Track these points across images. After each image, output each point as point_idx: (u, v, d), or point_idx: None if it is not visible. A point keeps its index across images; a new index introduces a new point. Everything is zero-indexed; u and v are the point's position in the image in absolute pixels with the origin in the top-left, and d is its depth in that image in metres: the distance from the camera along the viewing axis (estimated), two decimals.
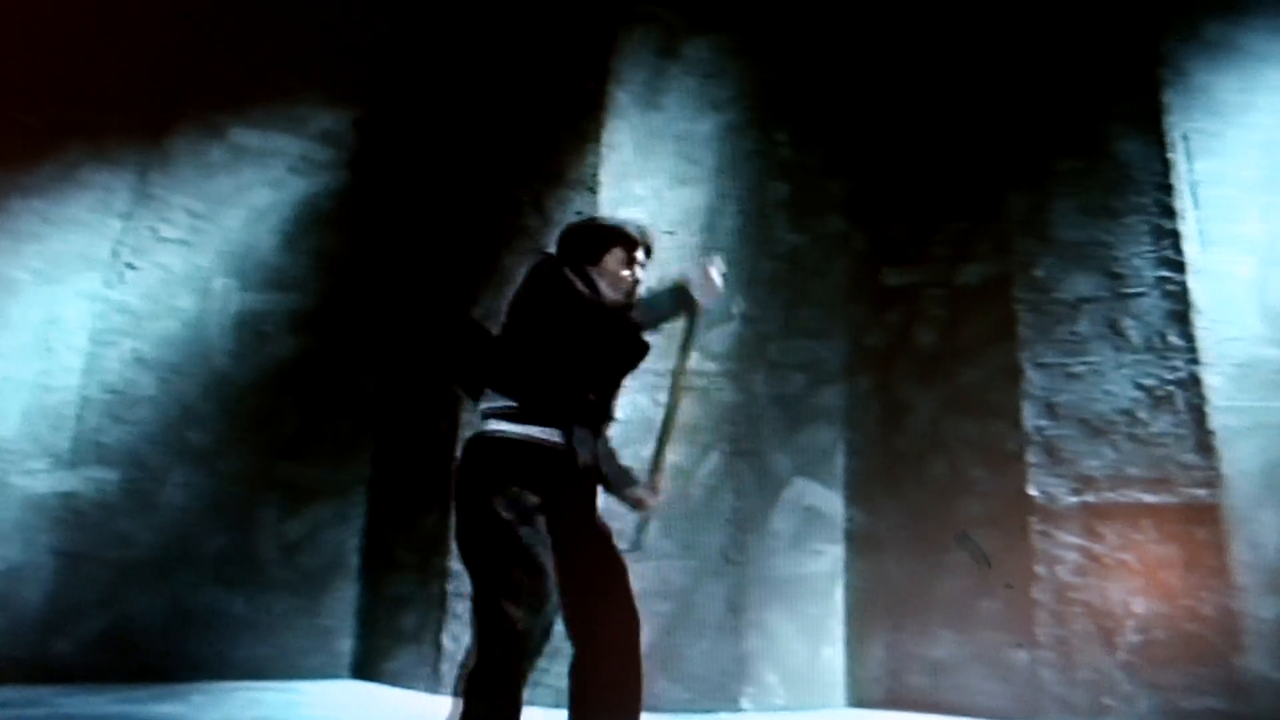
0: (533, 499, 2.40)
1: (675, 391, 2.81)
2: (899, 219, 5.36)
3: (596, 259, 2.71)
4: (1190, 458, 4.28)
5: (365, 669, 5.39)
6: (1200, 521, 4.20)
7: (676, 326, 2.81)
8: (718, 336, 4.93)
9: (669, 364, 2.85)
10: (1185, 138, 4.67)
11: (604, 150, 5.11)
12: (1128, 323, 4.54)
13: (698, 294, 2.64)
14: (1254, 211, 4.56)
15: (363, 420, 5.81)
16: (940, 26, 5.52)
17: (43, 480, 4.93)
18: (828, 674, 4.79)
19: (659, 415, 4.47)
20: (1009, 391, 4.72)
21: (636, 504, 2.75)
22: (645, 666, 2.52)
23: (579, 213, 5.07)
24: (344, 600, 5.54)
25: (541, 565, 2.35)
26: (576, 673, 2.47)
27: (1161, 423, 4.37)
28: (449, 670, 4.76)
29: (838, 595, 4.90)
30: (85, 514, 4.98)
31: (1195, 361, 4.36)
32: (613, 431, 2.78)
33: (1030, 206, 4.92)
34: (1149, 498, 4.32)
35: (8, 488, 4.84)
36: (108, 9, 5.53)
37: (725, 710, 4.51)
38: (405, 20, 6.31)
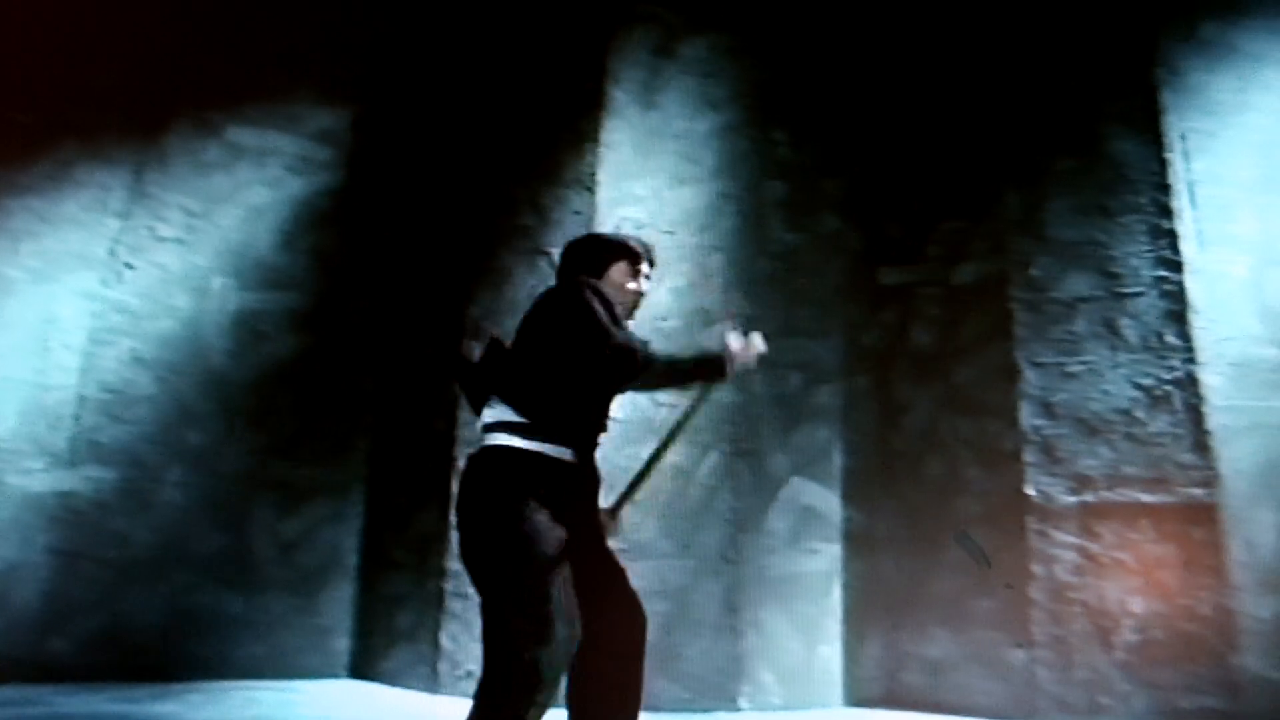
0: (551, 512, 2.40)
1: (666, 443, 2.82)
2: (895, 218, 5.36)
3: (601, 272, 2.72)
4: (1187, 457, 4.29)
5: (362, 668, 5.39)
6: (1197, 521, 4.21)
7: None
8: (713, 335, 4.93)
9: None
10: (1182, 137, 4.67)
11: (602, 149, 5.11)
12: (1125, 322, 4.55)
13: (732, 366, 2.62)
14: (1251, 211, 4.57)
15: (360, 419, 5.81)
16: (937, 26, 5.53)
17: (40, 479, 4.92)
18: (825, 673, 4.80)
19: (658, 415, 4.51)
20: (1006, 391, 4.73)
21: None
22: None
23: (577, 212, 5.08)
24: (341, 599, 5.54)
25: (568, 578, 2.36)
26: (576, 671, 2.47)
27: (1159, 422, 4.38)
28: (446, 669, 4.77)
29: (835, 594, 4.91)
30: (82, 513, 4.98)
31: (1192, 361, 4.37)
32: (606, 435, 2.78)
33: (1027, 206, 4.92)
34: (1146, 497, 4.33)
35: (5, 487, 4.83)
36: (104, 8, 5.51)
37: (722, 709, 4.51)
38: (402, 19, 6.31)
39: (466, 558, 2.44)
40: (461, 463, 4.87)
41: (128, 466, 5.12)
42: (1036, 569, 4.45)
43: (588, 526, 2.55)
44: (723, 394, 4.84)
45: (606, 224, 4.92)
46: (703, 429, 4.76)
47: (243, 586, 5.29)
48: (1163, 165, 4.64)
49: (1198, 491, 4.23)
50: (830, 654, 4.83)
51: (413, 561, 5.24)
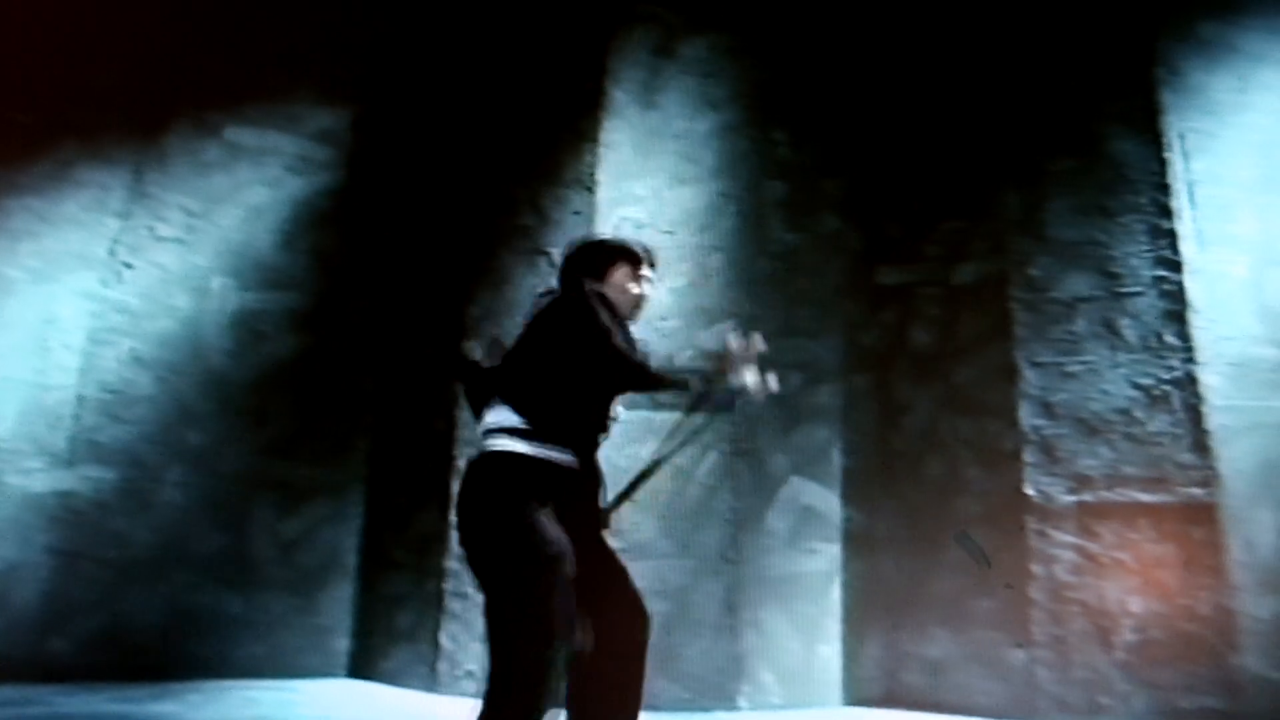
0: (555, 516, 2.41)
1: (664, 458, 2.83)
2: (895, 218, 5.36)
3: (602, 275, 2.72)
4: (1187, 457, 4.29)
5: (362, 668, 5.39)
6: (1197, 521, 4.21)
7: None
8: (713, 335, 4.94)
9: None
10: (1181, 137, 4.67)
11: (601, 149, 5.12)
12: (1124, 322, 4.55)
13: (745, 397, 2.62)
14: (1250, 211, 4.57)
15: (360, 420, 5.81)
16: (936, 26, 5.53)
17: (40, 479, 4.92)
18: (824, 673, 4.80)
19: (657, 416, 4.50)
20: (1005, 391, 4.73)
21: None
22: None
23: (577, 212, 5.08)
24: (340, 599, 5.54)
25: (570, 581, 2.37)
26: (576, 671, 2.47)
27: (1158, 422, 4.38)
28: (446, 669, 4.77)
29: (834, 594, 4.91)
30: (82, 513, 4.98)
31: (1192, 361, 4.37)
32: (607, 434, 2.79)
33: (1026, 206, 4.92)
34: (1145, 497, 4.33)
35: (4, 487, 4.84)
36: (104, 8, 5.52)
37: (722, 709, 4.51)
38: (402, 19, 6.30)
39: (471, 561, 2.45)
40: (461, 462, 4.91)
41: (127, 466, 5.12)
42: (1036, 569, 4.45)
43: (589, 527, 2.55)
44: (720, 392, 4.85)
45: (606, 224, 4.92)
46: (702, 429, 4.75)
47: (242, 586, 5.29)
48: (1162, 165, 4.64)
49: (1197, 491, 4.23)
50: (830, 654, 4.83)
51: (412, 561, 5.24)
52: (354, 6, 6.25)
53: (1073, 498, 4.46)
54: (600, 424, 2.61)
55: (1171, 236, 4.54)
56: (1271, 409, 4.30)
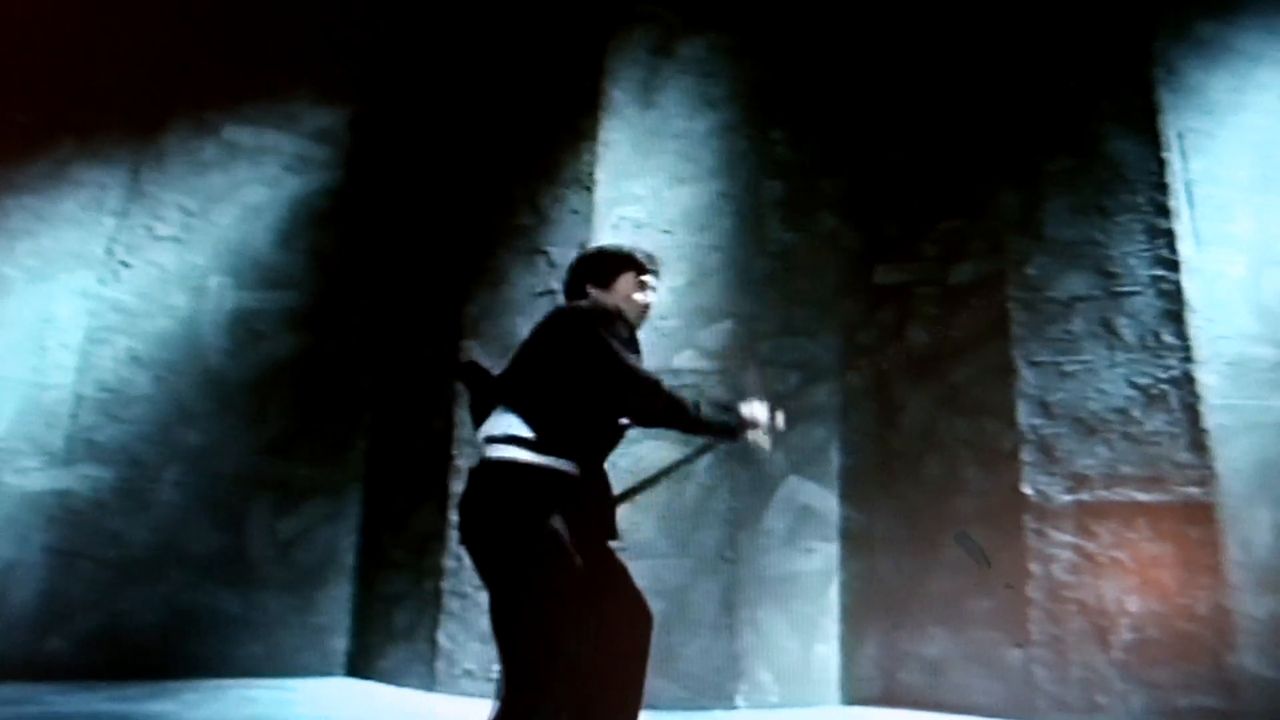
0: (564, 524, 2.41)
1: (664, 472, 2.85)
2: (892, 217, 5.37)
3: (608, 284, 2.74)
4: (1184, 456, 4.29)
5: (359, 667, 5.39)
6: (1194, 520, 4.21)
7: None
8: (712, 334, 4.94)
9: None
10: (1179, 137, 4.68)
11: (600, 149, 5.12)
12: (1121, 321, 4.56)
13: (753, 435, 2.66)
14: (1247, 210, 4.58)
15: (358, 419, 5.81)
16: (934, 25, 5.53)
17: (37, 478, 4.92)
18: (822, 672, 4.80)
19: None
20: (1003, 390, 4.73)
21: None
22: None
23: (575, 211, 5.08)
24: (338, 598, 5.54)
25: (581, 586, 2.38)
26: (576, 671, 2.46)
27: (1155, 421, 4.39)
28: (444, 668, 4.77)
29: (832, 593, 4.91)
30: (79, 512, 4.97)
31: (1189, 360, 4.37)
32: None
33: (1024, 205, 4.92)
34: (1143, 496, 4.33)
35: (2, 486, 4.83)
36: (103, 8, 5.51)
37: (720, 708, 4.51)
38: (401, 18, 6.30)
39: (485, 568, 2.43)
40: (460, 462, 4.92)
41: (125, 466, 5.12)
42: (1034, 568, 4.45)
43: (591, 531, 2.55)
44: (717, 391, 4.85)
45: (605, 223, 4.93)
46: (712, 446, 4.76)
47: (240, 585, 5.29)
48: (1160, 165, 4.64)
49: (1194, 490, 4.24)
50: (828, 653, 4.83)
51: (410, 561, 5.24)
52: (353, 6, 6.25)
53: (1070, 497, 4.46)
54: (610, 438, 2.62)
55: (1169, 236, 4.54)
56: (1269, 408, 4.31)
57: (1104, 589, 4.31)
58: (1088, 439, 4.50)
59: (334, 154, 5.98)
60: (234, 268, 5.57)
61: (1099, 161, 4.79)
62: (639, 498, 2.84)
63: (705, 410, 2.60)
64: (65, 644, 4.80)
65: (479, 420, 2.60)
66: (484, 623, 2.95)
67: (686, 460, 2.92)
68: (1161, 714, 4.08)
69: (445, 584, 4.85)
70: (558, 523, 2.38)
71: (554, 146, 5.31)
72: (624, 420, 2.64)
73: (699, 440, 2.75)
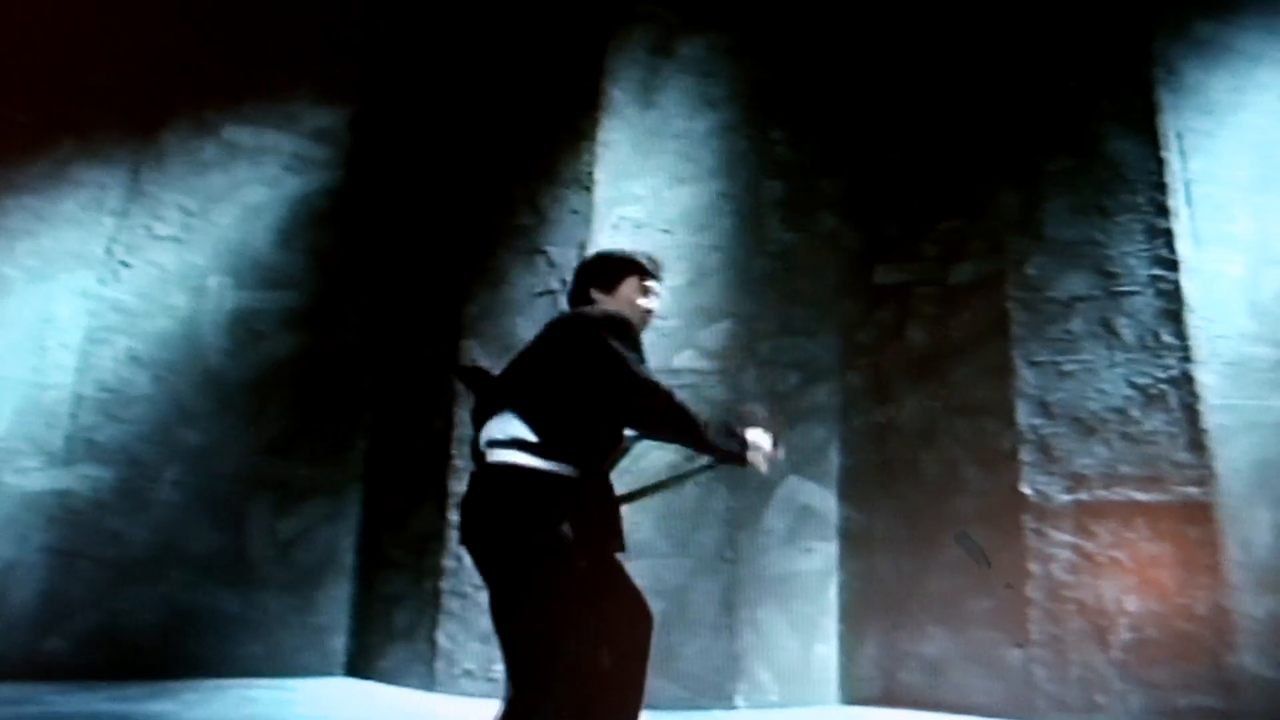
0: (571, 528, 2.41)
1: (665, 484, 2.87)
2: (892, 217, 5.37)
3: (612, 289, 2.75)
4: (1183, 456, 4.30)
5: (359, 667, 5.39)
6: (1193, 520, 4.21)
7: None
8: (712, 334, 4.94)
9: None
10: (1178, 136, 4.68)
11: (600, 148, 5.12)
12: (1120, 321, 4.56)
13: (754, 458, 2.65)
14: (1246, 210, 4.58)
15: (358, 419, 5.81)
16: (934, 26, 5.53)
17: (36, 478, 4.92)
18: (821, 671, 4.80)
19: None
20: (1002, 390, 4.73)
21: None
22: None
23: (575, 211, 5.08)
24: (338, 598, 5.54)
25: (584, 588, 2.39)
26: (577, 671, 2.46)
27: (1154, 421, 4.39)
28: (443, 668, 4.77)
29: (831, 593, 4.91)
30: (79, 512, 4.97)
31: (1188, 360, 4.38)
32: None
33: (1023, 205, 4.93)
34: (1142, 496, 4.33)
35: (2, 486, 4.83)
36: (103, 8, 5.51)
37: (719, 708, 4.52)
38: (400, 18, 6.30)
39: (485, 570, 2.43)
40: (459, 462, 4.92)
41: (125, 465, 5.12)
42: (1033, 568, 4.46)
43: (592, 531, 2.55)
44: (717, 391, 4.86)
45: (604, 223, 4.93)
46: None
47: (240, 585, 5.29)
48: (1159, 164, 4.65)
49: (1193, 490, 4.24)
50: (827, 652, 4.83)
51: (410, 561, 5.24)
52: (353, 6, 6.25)
53: (1070, 497, 4.47)
54: (615, 446, 2.62)
55: (1168, 236, 4.55)
56: (1268, 408, 4.31)
57: (1103, 589, 4.31)
58: (1087, 439, 4.50)
59: (334, 154, 5.98)
60: (234, 268, 5.57)
61: (1099, 161, 4.80)
62: (638, 502, 2.84)
63: (712, 433, 2.59)
64: (65, 644, 4.80)
65: (480, 423, 2.60)
66: (484, 623, 2.95)
67: (685, 476, 2.92)
68: (1161, 714, 4.09)
69: (445, 584, 4.85)
70: (560, 528, 2.37)
71: (554, 146, 5.31)
72: (631, 432, 2.64)
73: (702, 459, 2.75)
